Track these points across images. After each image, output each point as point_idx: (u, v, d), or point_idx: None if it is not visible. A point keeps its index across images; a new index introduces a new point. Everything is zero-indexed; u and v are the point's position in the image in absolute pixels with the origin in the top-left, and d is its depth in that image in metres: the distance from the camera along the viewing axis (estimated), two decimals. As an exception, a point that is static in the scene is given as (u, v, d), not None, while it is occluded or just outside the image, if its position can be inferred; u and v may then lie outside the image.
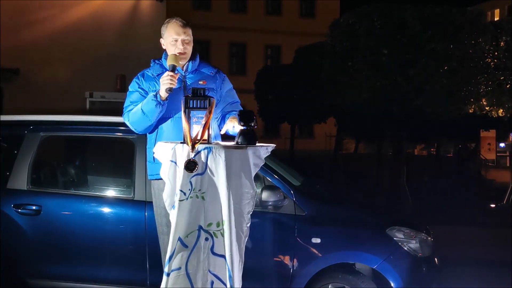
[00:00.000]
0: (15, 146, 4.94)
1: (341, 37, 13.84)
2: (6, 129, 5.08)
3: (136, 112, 3.71)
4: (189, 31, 3.81)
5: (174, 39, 3.78)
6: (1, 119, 5.25)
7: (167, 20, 3.87)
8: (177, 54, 3.72)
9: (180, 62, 3.74)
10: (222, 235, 3.27)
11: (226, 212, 3.27)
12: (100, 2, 13.34)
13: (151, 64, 3.95)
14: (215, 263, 3.29)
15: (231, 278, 3.27)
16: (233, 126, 3.55)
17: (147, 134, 3.90)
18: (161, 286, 3.33)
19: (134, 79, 3.90)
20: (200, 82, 3.78)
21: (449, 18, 12.68)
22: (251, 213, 3.37)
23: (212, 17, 33.71)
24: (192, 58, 3.88)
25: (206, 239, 3.28)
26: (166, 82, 3.55)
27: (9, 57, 12.38)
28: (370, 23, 12.89)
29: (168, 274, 3.30)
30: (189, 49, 3.81)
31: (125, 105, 3.86)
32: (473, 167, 20.34)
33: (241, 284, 3.38)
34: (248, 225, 3.37)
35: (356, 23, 13.32)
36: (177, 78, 3.62)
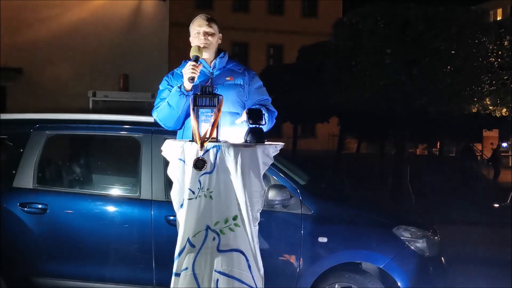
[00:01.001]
0: (21, 144, 4.93)
1: (344, 37, 13.84)
2: (12, 127, 5.07)
3: (163, 107, 3.71)
4: (213, 25, 3.81)
5: (197, 32, 3.77)
6: (6, 117, 5.25)
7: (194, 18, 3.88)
8: (200, 46, 3.70)
9: (204, 54, 3.72)
10: (231, 229, 3.25)
11: (236, 210, 3.26)
12: (103, 2, 13.31)
13: (182, 64, 3.92)
14: (220, 260, 3.26)
15: (250, 268, 3.28)
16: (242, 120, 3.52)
17: (177, 131, 3.86)
18: (171, 286, 3.32)
19: (164, 78, 3.90)
20: (227, 78, 3.77)
21: (453, 18, 12.68)
22: (260, 211, 3.36)
23: (214, 17, 33.63)
24: (220, 55, 3.84)
25: (213, 238, 3.26)
26: (188, 71, 3.52)
27: (12, 56, 12.37)
28: (373, 23, 12.89)
29: (176, 274, 3.28)
30: (212, 41, 3.77)
31: (155, 103, 3.84)
32: (474, 167, 20.32)
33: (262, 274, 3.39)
34: (257, 223, 3.36)
35: (360, 23, 13.30)
36: (200, 68, 3.58)
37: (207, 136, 3.23)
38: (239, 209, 3.26)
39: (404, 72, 12.29)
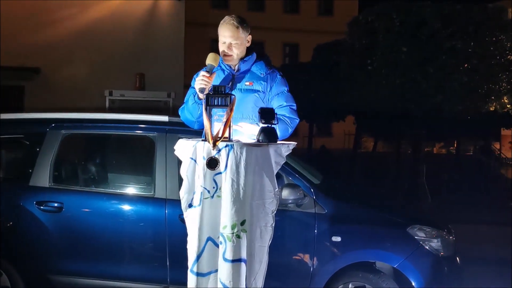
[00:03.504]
0: (37, 143, 4.98)
1: (360, 35, 13.80)
2: (28, 126, 5.13)
3: (182, 109, 3.76)
4: (241, 34, 3.66)
5: (222, 41, 3.68)
6: (23, 117, 5.31)
7: (224, 18, 3.74)
8: (217, 54, 3.63)
9: (229, 60, 3.67)
10: (239, 236, 3.20)
11: (248, 211, 3.23)
12: (119, 2, 13.39)
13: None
14: (224, 270, 3.21)
15: (246, 277, 3.23)
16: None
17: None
18: (189, 286, 3.31)
19: (194, 76, 3.79)
20: (247, 83, 3.69)
21: (470, 15, 12.57)
22: (275, 212, 3.34)
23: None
24: (245, 58, 3.75)
25: (221, 243, 3.23)
26: (198, 83, 3.50)
27: (30, 56, 12.51)
28: (389, 21, 12.83)
29: (198, 274, 3.27)
30: (236, 52, 3.67)
31: (184, 100, 3.84)
32: (493, 166, 20.10)
33: (262, 286, 3.35)
34: (273, 224, 3.33)
35: (375, 21, 13.24)
36: (212, 79, 3.52)
37: (220, 135, 3.23)
38: (248, 213, 3.22)
39: (419, 71, 12.22)
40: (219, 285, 3.22)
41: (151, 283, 4.67)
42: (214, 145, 3.21)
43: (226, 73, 3.71)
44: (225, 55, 3.66)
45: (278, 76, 3.79)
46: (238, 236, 3.21)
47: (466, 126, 17.90)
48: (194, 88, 3.66)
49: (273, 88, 3.73)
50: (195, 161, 3.30)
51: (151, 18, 13.63)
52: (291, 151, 3.44)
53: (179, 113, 3.83)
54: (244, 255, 3.23)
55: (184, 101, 3.82)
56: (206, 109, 3.30)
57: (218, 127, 3.27)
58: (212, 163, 3.22)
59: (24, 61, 12.52)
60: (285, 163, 3.53)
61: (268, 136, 3.33)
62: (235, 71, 3.73)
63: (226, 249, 3.20)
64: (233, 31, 3.64)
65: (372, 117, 16.64)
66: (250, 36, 3.76)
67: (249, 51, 3.78)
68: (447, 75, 12.10)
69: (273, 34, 35.08)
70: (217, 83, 3.59)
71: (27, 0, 12.49)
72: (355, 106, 15.39)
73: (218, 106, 3.31)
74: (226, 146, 3.22)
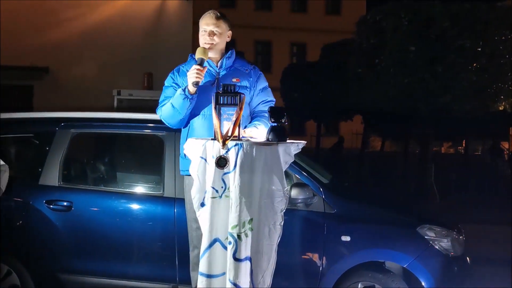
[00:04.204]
0: (47, 142, 4.99)
1: (368, 34, 13.77)
2: (38, 125, 5.15)
3: (167, 107, 3.73)
4: (222, 24, 3.76)
5: (203, 30, 3.76)
6: (33, 116, 5.34)
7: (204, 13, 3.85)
8: (206, 48, 3.70)
9: (210, 53, 3.73)
10: (246, 235, 3.21)
11: (256, 209, 3.23)
12: (128, 2, 13.44)
13: (188, 59, 3.92)
14: (235, 270, 3.21)
15: (252, 275, 3.23)
16: (250, 135, 3.50)
17: (182, 129, 3.88)
18: (198, 286, 3.31)
19: (169, 74, 3.90)
20: (234, 80, 3.74)
21: (478, 14, 12.52)
22: (284, 211, 3.34)
23: (237, 15, 33.68)
24: (227, 54, 3.83)
25: (230, 243, 3.22)
26: (192, 76, 3.54)
27: (40, 55, 12.58)
28: (397, 20, 12.80)
29: (208, 276, 3.26)
30: (218, 41, 3.74)
31: (160, 100, 3.87)
32: (502, 165, 19.99)
33: (270, 284, 3.35)
34: (282, 223, 3.33)
35: (383, 20, 13.21)
36: (204, 72, 3.58)
37: (229, 134, 3.23)
38: (256, 212, 3.22)
39: (428, 70, 12.18)
40: (228, 285, 3.21)
41: (160, 282, 4.67)
42: (224, 144, 3.21)
43: (209, 70, 3.74)
44: (206, 43, 3.71)
45: (259, 71, 3.92)
46: (246, 235, 3.21)
47: (475, 125, 17.85)
48: (174, 85, 3.75)
49: (257, 84, 3.85)
50: (205, 160, 3.30)
51: (159, 17, 13.67)
52: (300, 150, 3.43)
53: (157, 112, 3.84)
54: (250, 253, 3.23)
55: (161, 99, 3.83)
56: (215, 108, 3.31)
57: (227, 126, 3.27)
58: (221, 162, 3.21)
59: (34, 61, 12.58)
60: (294, 162, 3.52)
61: (278, 135, 3.33)
62: (218, 67, 3.79)
63: (236, 249, 3.20)
64: (215, 19, 3.75)
65: (380, 117, 16.61)
66: (230, 32, 3.85)
67: (228, 49, 3.86)
68: (456, 75, 12.06)
69: (280, 33, 35.11)
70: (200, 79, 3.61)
71: (36, 1, 12.55)
72: (363, 106, 15.36)
73: (227, 105, 3.32)
74: (236, 145, 3.22)
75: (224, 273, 3.26)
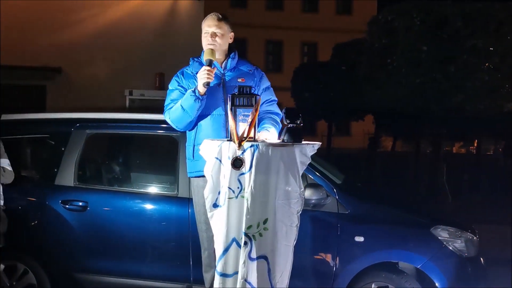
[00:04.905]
0: (62, 143, 5.04)
1: (380, 34, 13.74)
2: (54, 126, 5.20)
3: (176, 109, 3.75)
4: (224, 25, 3.82)
5: (206, 32, 3.82)
6: (49, 116, 5.40)
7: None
8: (213, 48, 3.74)
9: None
10: (261, 235, 3.24)
11: (271, 210, 3.25)
12: (139, 2, 13.49)
13: (190, 62, 3.98)
14: (250, 269, 3.25)
15: (270, 274, 3.25)
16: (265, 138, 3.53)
17: (187, 131, 3.92)
18: (215, 287, 3.34)
19: (173, 78, 3.94)
20: (239, 80, 3.80)
21: (491, 13, 12.45)
22: (300, 212, 3.36)
23: (248, 15, 33.75)
24: (231, 55, 3.88)
25: (245, 243, 3.25)
26: (203, 76, 3.58)
27: (52, 56, 12.66)
28: (409, 20, 12.76)
29: (222, 275, 3.30)
30: (220, 42, 3.79)
31: (165, 104, 3.90)
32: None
33: (287, 284, 3.37)
34: (298, 225, 3.35)
35: (395, 20, 13.17)
36: (214, 72, 3.64)
37: (245, 135, 3.26)
38: (272, 212, 3.25)
39: (440, 70, 12.14)
40: (246, 285, 3.23)
41: (174, 282, 4.71)
42: (240, 145, 3.23)
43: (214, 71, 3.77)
44: (209, 44, 3.76)
45: (261, 71, 3.98)
46: (260, 235, 3.24)
47: (487, 125, 17.74)
48: (179, 88, 3.79)
49: (261, 83, 3.90)
50: (220, 161, 3.32)
51: (171, 18, 13.72)
52: (316, 151, 3.45)
53: (164, 116, 3.87)
54: (266, 252, 3.26)
55: (167, 103, 3.86)
56: (231, 109, 3.34)
57: (243, 127, 3.30)
58: (237, 163, 3.24)
59: (46, 61, 12.68)
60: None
61: (293, 136, 3.35)
62: (222, 68, 3.83)
63: (252, 249, 3.22)
64: (217, 21, 3.81)
65: (392, 117, 16.57)
66: (232, 33, 3.90)
67: (231, 50, 3.90)
68: (468, 74, 12.01)
69: (291, 33, 35.06)
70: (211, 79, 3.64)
71: (49, 1, 12.63)
72: (374, 106, 15.33)
73: (243, 106, 3.35)
74: (251, 146, 3.24)
75: (236, 273, 3.28)
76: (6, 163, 4.50)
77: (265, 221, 3.25)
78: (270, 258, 3.28)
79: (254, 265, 3.24)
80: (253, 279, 3.24)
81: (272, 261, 3.29)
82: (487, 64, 12.06)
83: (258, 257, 3.25)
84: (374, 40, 13.98)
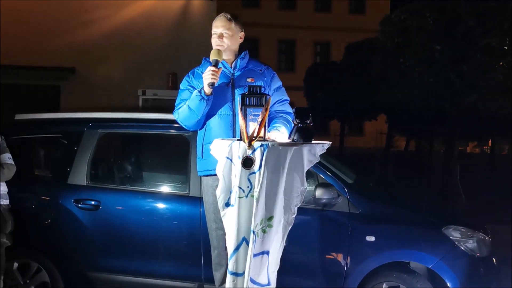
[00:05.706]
0: (75, 142, 5.09)
1: (392, 33, 13.66)
2: (67, 126, 5.25)
3: (184, 109, 3.79)
4: (233, 26, 3.82)
5: (214, 32, 3.83)
6: (61, 116, 5.45)
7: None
8: (220, 49, 3.75)
9: (224, 55, 3.79)
10: (264, 231, 3.26)
11: (277, 208, 3.28)
12: (152, 2, 13.55)
13: (202, 62, 3.99)
14: (253, 266, 3.27)
15: (268, 266, 3.30)
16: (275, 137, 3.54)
17: (198, 131, 3.94)
18: (227, 286, 3.36)
19: (184, 78, 3.97)
20: (248, 80, 3.81)
21: (505, 12, 12.34)
22: (297, 206, 3.37)
23: (261, 15, 33.80)
24: (240, 55, 3.89)
25: (254, 241, 3.27)
26: (208, 77, 3.60)
27: (66, 56, 12.76)
28: (422, 19, 12.68)
29: (233, 274, 3.32)
30: (228, 43, 3.81)
31: (176, 103, 3.93)
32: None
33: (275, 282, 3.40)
34: (294, 216, 3.36)
35: (408, 19, 13.10)
36: (219, 73, 3.65)
37: (255, 135, 3.26)
38: (277, 209, 3.27)
39: (453, 69, 12.05)
40: (248, 282, 3.26)
41: (186, 281, 4.73)
42: (250, 144, 3.24)
43: (223, 71, 3.79)
44: (217, 45, 3.77)
45: (272, 71, 3.98)
46: (264, 231, 3.27)
47: (501, 124, 17.62)
48: (189, 88, 3.81)
49: (272, 83, 3.90)
50: (231, 160, 3.34)
51: (183, 18, 13.77)
52: (325, 150, 3.45)
53: (174, 115, 3.90)
54: (268, 248, 3.30)
55: (177, 103, 3.89)
56: (241, 109, 3.35)
57: (253, 127, 3.31)
58: (247, 162, 3.25)
59: (60, 61, 12.78)
60: (319, 162, 3.55)
61: (303, 135, 3.36)
62: (232, 68, 3.84)
63: (255, 245, 3.25)
64: (225, 22, 3.81)
65: (405, 116, 16.50)
66: (243, 33, 3.91)
67: (241, 50, 3.91)
68: (482, 74, 11.90)
69: (304, 32, 35.06)
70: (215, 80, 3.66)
71: (63, 2, 12.73)
72: (387, 105, 15.27)
73: (253, 106, 3.36)
74: (261, 145, 3.25)
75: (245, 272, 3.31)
76: (7, 157, 4.52)
77: (269, 219, 3.27)
78: (270, 253, 3.32)
79: (256, 260, 3.27)
80: (258, 275, 3.27)
81: (272, 257, 3.33)
82: (501, 63, 11.94)
83: (260, 253, 3.28)
84: (386, 39, 13.90)
